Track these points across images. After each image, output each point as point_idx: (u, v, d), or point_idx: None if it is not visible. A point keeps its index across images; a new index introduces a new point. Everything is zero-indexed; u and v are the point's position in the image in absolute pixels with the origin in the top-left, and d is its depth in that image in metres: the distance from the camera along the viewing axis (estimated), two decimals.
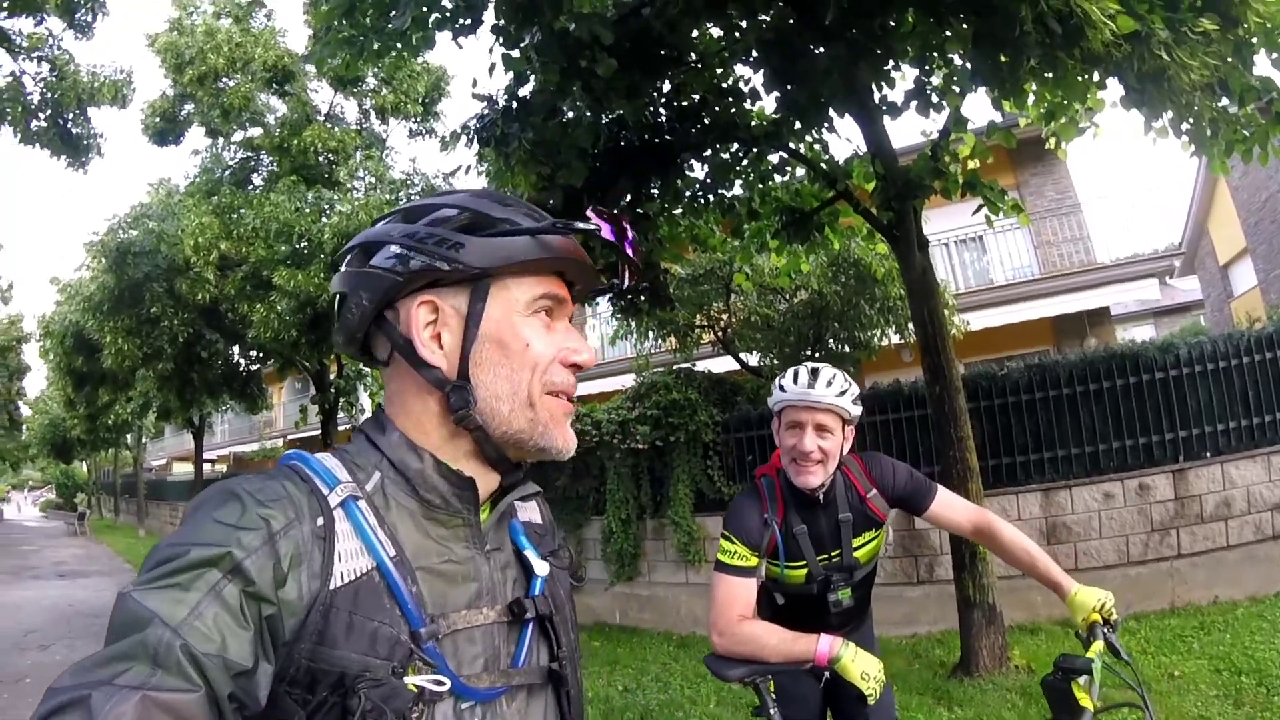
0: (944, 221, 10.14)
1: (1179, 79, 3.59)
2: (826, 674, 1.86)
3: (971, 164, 5.69)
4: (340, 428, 11.72)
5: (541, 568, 0.87)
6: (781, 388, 2.04)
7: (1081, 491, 5.88)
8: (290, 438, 24.03)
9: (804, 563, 2.07)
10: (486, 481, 0.83)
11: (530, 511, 0.97)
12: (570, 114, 4.38)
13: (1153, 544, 5.74)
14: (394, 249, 0.80)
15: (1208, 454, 5.81)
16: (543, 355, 0.81)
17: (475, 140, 4.30)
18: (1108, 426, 5.94)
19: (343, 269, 0.84)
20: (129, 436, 27.02)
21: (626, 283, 0.92)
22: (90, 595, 12.26)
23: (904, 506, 2.14)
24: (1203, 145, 4.50)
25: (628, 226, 0.90)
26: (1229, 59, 3.86)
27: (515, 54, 3.99)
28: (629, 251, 0.90)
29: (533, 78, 4.17)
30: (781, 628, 1.90)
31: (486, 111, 4.28)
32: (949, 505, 2.12)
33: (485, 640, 0.78)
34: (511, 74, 4.28)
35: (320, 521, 0.71)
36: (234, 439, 29.45)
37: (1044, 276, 12.08)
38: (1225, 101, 4.24)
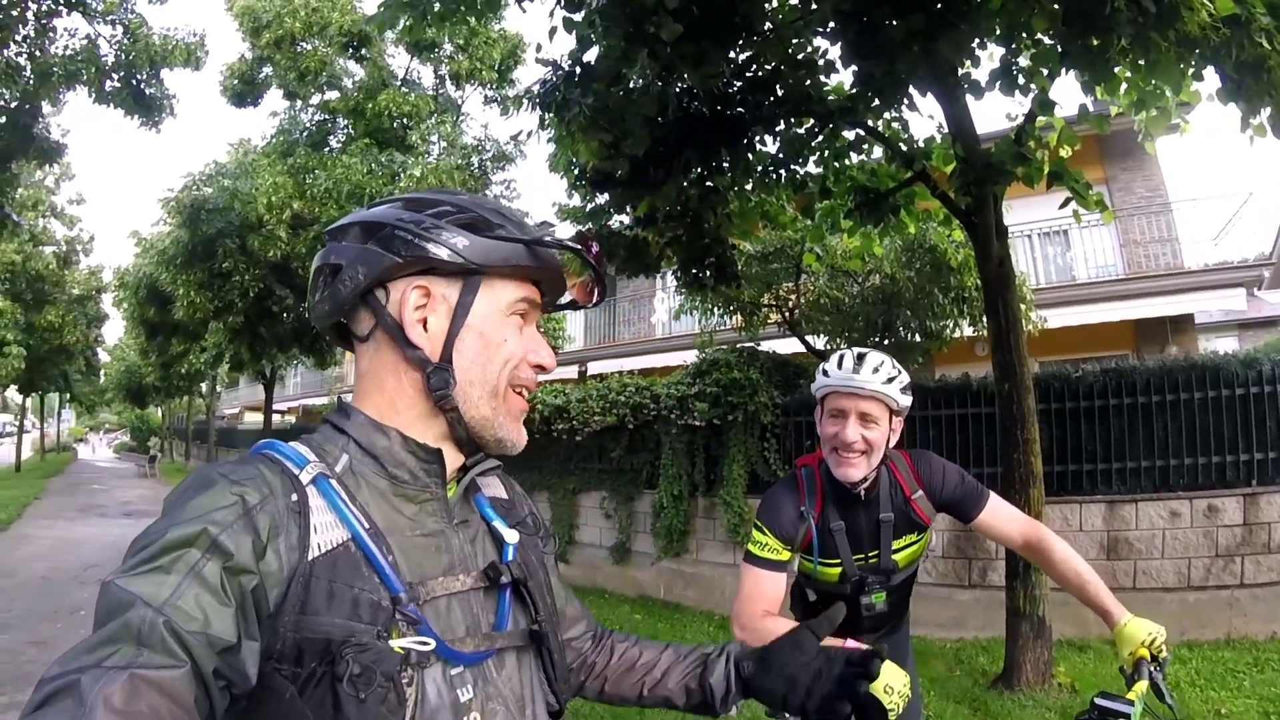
0: (1027, 213, 9.67)
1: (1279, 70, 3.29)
2: None
3: (1062, 152, 5.35)
4: None
5: (511, 536, 0.90)
6: (825, 372, 1.91)
7: (1147, 507, 5.55)
8: None
9: (839, 561, 1.95)
10: (452, 460, 0.87)
11: (494, 488, 0.99)
12: (636, 81, 4.26)
13: (1215, 570, 5.39)
14: (399, 233, 0.83)
15: None
16: (515, 352, 0.87)
17: (537, 106, 4.22)
18: (1181, 441, 5.57)
19: (341, 243, 0.86)
20: (203, 385, 28.26)
21: (595, 301, 0.96)
22: None
23: (951, 512, 1.99)
24: None
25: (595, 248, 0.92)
26: None
27: (577, 17, 3.89)
28: (597, 272, 0.93)
29: (596, 43, 4.05)
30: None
31: (550, 76, 4.20)
32: (1000, 515, 1.96)
33: (464, 607, 0.80)
34: (575, 38, 4.18)
35: (294, 497, 0.73)
36: (305, 392, 30.55)
37: (1128, 277, 11.49)
38: None
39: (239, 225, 10.78)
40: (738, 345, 8.00)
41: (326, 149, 11.83)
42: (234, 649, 0.63)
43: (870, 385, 1.83)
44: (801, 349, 8.87)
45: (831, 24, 4.25)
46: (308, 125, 12.31)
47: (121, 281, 15.84)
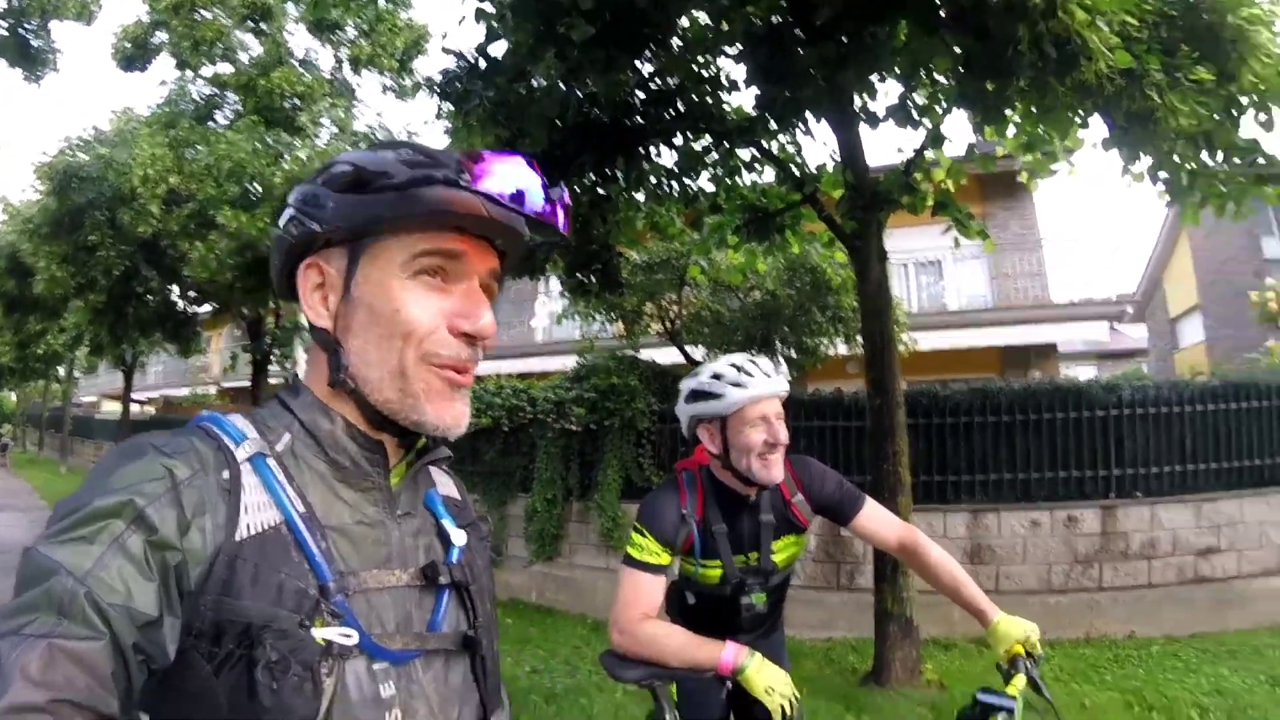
0: (905, 242, 10.26)
1: (1166, 123, 3.63)
2: (729, 684, 1.80)
3: (948, 185, 5.72)
4: (272, 380, 11.41)
5: (459, 537, 0.87)
6: (737, 384, 1.90)
7: (1010, 516, 5.99)
8: (225, 386, 23.50)
9: (720, 562, 1.99)
10: (390, 445, 0.82)
11: (448, 487, 0.97)
12: (540, 81, 4.26)
13: (1075, 575, 5.88)
14: (289, 211, 0.80)
15: (1139, 494, 5.97)
16: (417, 322, 0.77)
17: (437, 94, 4.15)
18: (1043, 457, 6.07)
19: None
20: (60, 369, 26.04)
21: (562, 228, 0.82)
22: (3, 531, 11.75)
23: (829, 515, 2.07)
24: (1178, 194, 4.56)
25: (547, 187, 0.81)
26: (1217, 114, 3.90)
27: (489, 7, 3.87)
28: (549, 211, 0.80)
29: (505, 38, 4.04)
30: (686, 631, 1.82)
31: (453, 67, 4.15)
32: (875, 518, 2.05)
33: (396, 603, 0.77)
34: (484, 29, 4.15)
35: (226, 474, 0.71)
36: (167, 381, 28.64)
37: (997, 307, 12.35)
38: (1205, 155, 4.30)
39: (110, 197, 10.01)
40: (618, 352, 8.09)
41: (211, 123, 11.25)
42: (155, 624, 0.62)
43: (784, 386, 1.91)
44: (681, 359, 9.08)
45: (740, 45, 4.39)
46: (195, 98, 11.64)
47: None
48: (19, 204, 12.65)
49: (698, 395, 1.97)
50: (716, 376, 1.93)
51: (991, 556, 5.97)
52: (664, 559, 1.90)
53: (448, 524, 0.88)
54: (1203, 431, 6.06)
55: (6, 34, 7.91)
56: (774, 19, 4.28)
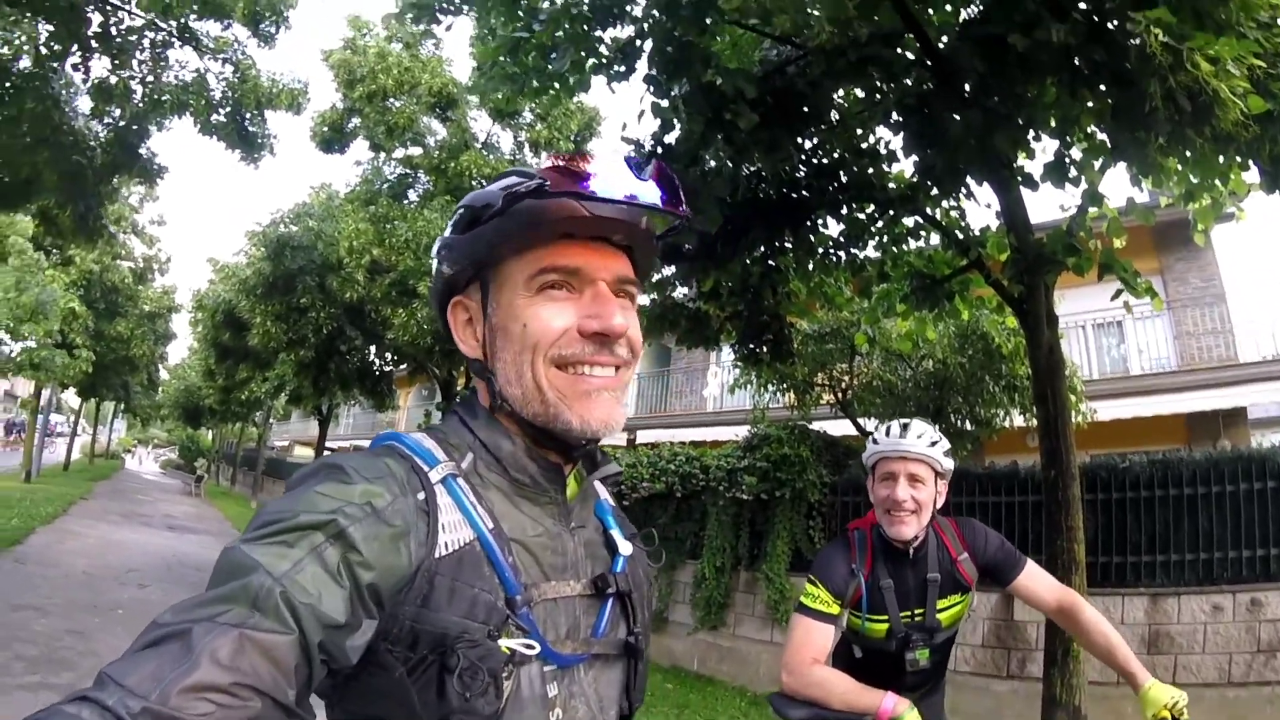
0: (1081, 303, 9.70)
1: None
2: None
3: (1116, 242, 5.50)
4: None
5: (626, 548, 0.92)
6: (874, 440, 2.14)
7: (1190, 601, 5.52)
8: None
9: (886, 617, 2.10)
10: (564, 459, 0.88)
11: (609, 498, 1.02)
12: (711, 163, 4.60)
13: (1256, 665, 5.31)
14: (433, 262, 0.90)
15: None
16: (542, 332, 0.81)
17: None
18: (1225, 533, 5.57)
19: None
20: (258, 414, 29.03)
21: (680, 215, 0.84)
22: (194, 549, 13.16)
23: (992, 575, 2.15)
24: None
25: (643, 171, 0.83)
26: None
27: (664, 103, 4.26)
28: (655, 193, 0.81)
29: (678, 126, 4.42)
30: (850, 678, 1.94)
31: (632, 154, 4.56)
32: (1036, 579, 2.14)
33: (568, 611, 0.83)
34: (659, 121, 4.57)
35: (422, 496, 0.76)
36: (356, 433, 30.90)
37: (1180, 369, 11.32)
38: None
39: (319, 264, 11.47)
40: (789, 423, 8.11)
41: (405, 201, 12.52)
42: (341, 628, 0.65)
43: (915, 449, 2.05)
44: (852, 430, 8.89)
45: (894, 116, 4.54)
46: (389, 177, 13.02)
47: (200, 304, 16.68)
48: (231, 264, 14.55)
49: (866, 445, 2.20)
50: (875, 431, 2.17)
51: (1170, 645, 5.48)
52: (834, 609, 2.04)
53: (617, 534, 0.93)
54: None
55: (225, 120, 9.24)
56: (924, 87, 4.40)
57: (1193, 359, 11.37)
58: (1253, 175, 4.15)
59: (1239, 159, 3.92)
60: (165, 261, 25.96)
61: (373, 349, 13.08)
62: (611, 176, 0.79)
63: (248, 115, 9.26)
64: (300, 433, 37.33)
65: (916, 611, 2.12)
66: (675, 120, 4.43)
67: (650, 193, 0.80)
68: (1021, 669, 5.87)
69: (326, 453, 23.26)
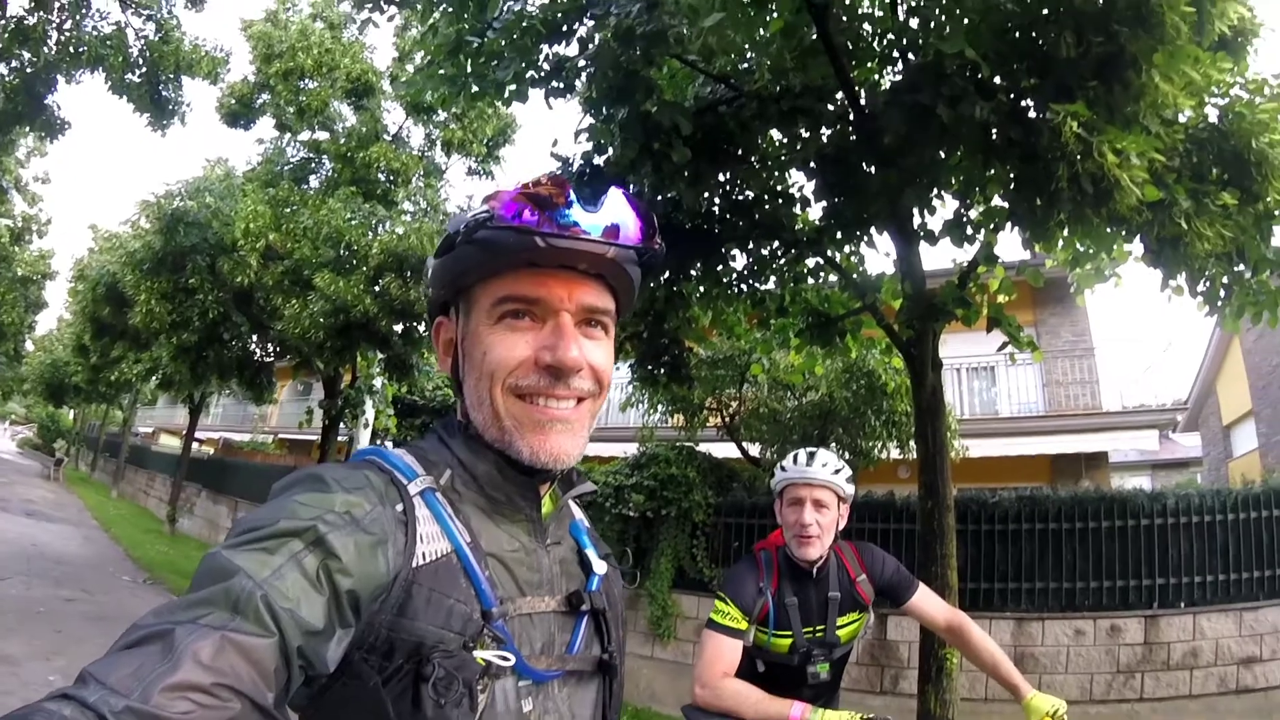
0: (959, 348, 10.39)
1: (1195, 245, 3.89)
2: None
3: (1000, 298, 5.96)
4: (340, 438, 11.80)
5: (600, 566, 0.94)
6: (783, 468, 2.28)
7: (1054, 625, 6.03)
8: (282, 436, 24.00)
9: (790, 633, 2.25)
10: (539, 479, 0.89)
11: (582, 516, 1.05)
12: (633, 188, 4.70)
13: (1116, 685, 5.87)
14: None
15: (1182, 603, 5.98)
16: (501, 362, 0.82)
17: None
18: (1088, 565, 6.13)
19: None
20: (126, 397, 27.01)
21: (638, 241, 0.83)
22: (54, 539, 12.35)
23: (888, 595, 2.35)
24: (1214, 306, 4.77)
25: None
26: (1247, 230, 4.15)
27: (599, 125, 4.33)
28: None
29: (610, 150, 4.50)
30: (760, 689, 2.06)
31: (560, 171, 4.62)
32: (928, 600, 2.36)
33: (543, 627, 0.84)
34: (592, 144, 4.64)
35: (400, 507, 0.77)
36: (226, 424, 29.32)
37: (1049, 414, 12.30)
38: (1241, 266, 4.53)
39: (213, 245, 10.81)
40: (676, 443, 8.27)
41: (305, 186, 11.99)
42: (319, 634, 0.66)
43: (820, 477, 2.22)
44: (737, 454, 9.23)
45: (812, 164, 4.79)
46: (291, 159, 12.43)
47: (81, 273, 15.31)
48: (117, 233, 13.44)
49: (773, 472, 2.33)
50: (784, 459, 2.31)
51: (1034, 665, 5.95)
52: (743, 625, 2.17)
53: (591, 554, 0.95)
54: (1246, 539, 6.08)
55: (140, 81, 8.62)
56: (846, 140, 4.66)
57: (1060, 405, 12.39)
58: (1135, 247, 4.62)
59: (1128, 236, 4.34)
60: (45, 223, 23.62)
61: (255, 338, 12.38)
62: (578, 207, 0.79)
63: (164, 79, 8.66)
64: (166, 420, 34.93)
65: (818, 628, 2.28)
66: (609, 144, 4.51)
67: (622, 224, 0.81)
68: (894, 685, 6.23)
69: (195, 445, 22.08)
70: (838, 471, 2.24)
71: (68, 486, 26.82)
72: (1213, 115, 4.21)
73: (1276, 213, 4.22)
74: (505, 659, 0.76)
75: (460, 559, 0.79)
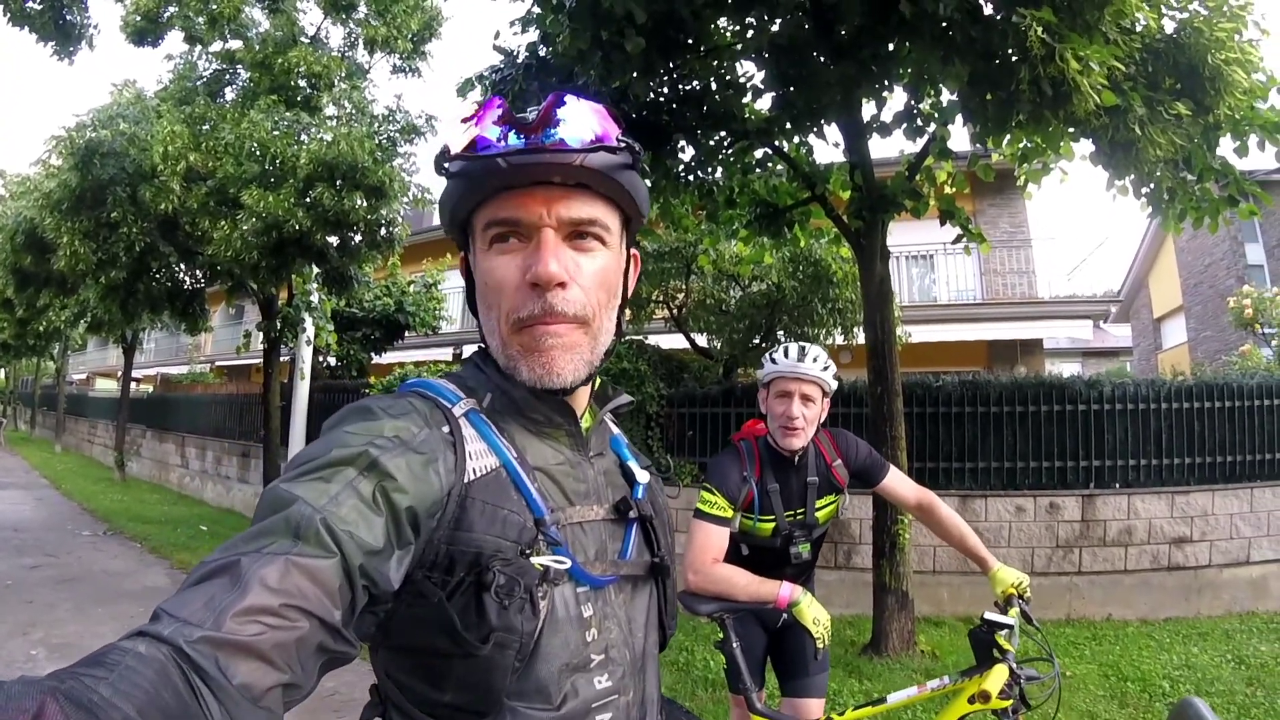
0: (899, 236, 10.53)
1: (1147, 151, 4.03)
2: (784, 617, 2.18)
3: (948, 189, 6.05)
4: (282, 359, 11.47)
5: (643, 476, 0.97)
6: (773, 360, 2.33)
7: (996, 502, 6.37)
8: (220, 364, 23.35)
9: (773, 517, 2.37)
10: (584, 393, 0.92)
11: (619, 431, 1.07)
12: (580, 81, 4.56)
13: (1056, 559, 6.26)
14: None
15: (1117, 485, 6.37)
16: (501, 288, 0.82)
17: (490, 91, 4.44)
18: (1028, 447, 6.45)
19: None
20: (55, 346, 25.80)
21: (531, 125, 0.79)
22: (6, 507, 11.97)
23: (861, 477, 2.48)
24: (1158, 208, 4.97)
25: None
26: (1196, 139, 4.31)
27: (548, 15, 4.14)
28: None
29: (559, 40, 4.33)
30: (748, 572, 2.18)
31: (503, 65, 4.43)
32: (899, 480, 2.51)
33: (594, 535, 0.87)
34: (537, 33, 4.44)
35: (447, 429, 0.80)
36: (159, 360, 28.47)
37: (986, 302, 12.73)
38: (1186, 173, 4.71)
39: (132, 173, 10.10)
40: (626, 337, 8.32)
41: (220, 99, 11.20)
42: (379, 553, 0.68)
43: (810, 372, 2.28)
44: (685, 345, 9.37)
45: (765, 53, 4.70)
46: (203, 73, 11.58)
47: None
48: (34, 176, 12.40)
49: (761, 366, 2.38)
50: (773, 353, 2.35)
51: (979, 539, 6.33)
52: (729, 513, 2.28)
53: (633, 465, 0.98)
54: (1179, 428, 6.45)
55: (41, 8, 7.89)
56: (800, 29, 4.58)
57: (997, 294, 12.81)
58: (1083, 145, 4.74)
59: (1084, 140, 4.47)
60: None
61: (184, 266, 11.72)
62: (509, 123, 0.79)
63: (66, 2, 7.88)
64: (99, 363, 33.62)
65: (798, 511, 2.41)
66: (558, 35, 4.33)
67: (583, 127, 0.79)
68: (848, 560, 6.55)
69: (134, 384, 21.31)
70: (826, 368, 2.30)
71: (10, 449, 25.81)
72: (1169, 27, 4.30)
73: (1224, 126, 4.37)
74: (561, 563, 0.79)
75: (509, 472, 0.81)
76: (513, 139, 0.78)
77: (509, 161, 0.78)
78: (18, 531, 9.76)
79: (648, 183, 5.56)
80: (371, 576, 0.67)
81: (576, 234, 0.83)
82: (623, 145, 0.82)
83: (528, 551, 0.77)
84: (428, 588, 0.74)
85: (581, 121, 0.80)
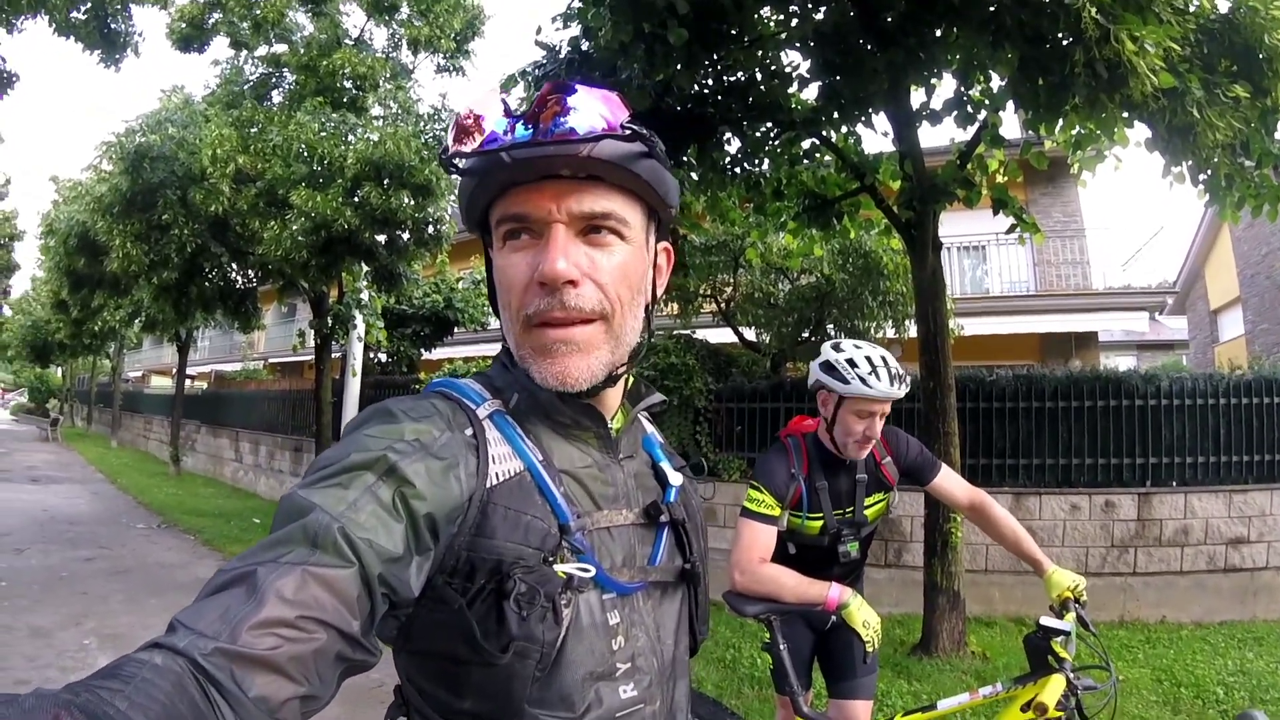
0: (950, 227, 10.35)
1: (1205, 136, 3.86)
2: (832, 619, 2.10)
3: (998, 178, 5.87)
4: (334, 355, 11.69)
5: (676, 478, 0.93)
6: (863, 380, 2.13)
7: (1050, 500, 6.18)
8: (273, 361, 23.94)
9: (821, 515, 2.30)
10: (614, 394, 0.89)
11: (655, 430, 1.04)
12: (624, 75, 4.51)
13: (1110, 559, 6.06)
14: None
15: (1174, 483, 6.14)
16: (509, 286, 0.80)
17: (534, 88, 4.42)
18: (1084, 443, 6.25)
19: None
20: (111, 345, 26.68)
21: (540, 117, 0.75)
22: (63, 502, 12.23)
23: (912, 476, 2.39)
24: (1216, 195, 4.76)
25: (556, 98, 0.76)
26: (1254, 124, 4.12)
27: (590, 8, 4.11)
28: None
29: (601, 34, 4.29)
30: (796, 572, 2.11)
31: (545, 60, 4.41)
32: (951, 480, 2.41)
33: (622, 540, 0.84)
34: (579, 27, 4.41)
35: (469, 432, 0.78)
36: (214, 357, 29.22)
37: (1039, 294, 12.39)
38: (1244, 159, 4.50)
39: (182, 176, 10.38)
40: (674, 332, 8.27)
41: (267, 103, 11.43)
42: (399, 560, 0.66)
43: (898, 396, 2.16)
44: (733, 339, 9.26)
45: (810, 42, 4.60)
46: (250, 77, 11.84)
47: (49, 228, 14.69)
48: (85, 181, 12.81)
49: (830, 369, 2.21)
50: (852, 363, 2.17)
51: (1033, 538, 6.15)
52: (776, 511, 2.21)
53: (666, 466, 0.95)
54: (1237, 424, 6.20)
55: (86, 18, 8.09)
56: (845, 16, 4.47)
57: (1051, 285, 12.46)
58: (1138, 131, 4.56)
59: (1139, 125, 4.31)
60: (4, 184, 22.41)
61: (235, 266, 12.04)
62: (506, 119, 0.75)
63: (111, 11, 8.08)
64: (154, 361, 34.73)
65: (847, 510, 2.33)
66: (600, 28, 4.29)
67: (590, 117, 0.74)
68: (898, 559, 6.43)
69: (189, 381, 21.95)
70: (903, 381, 2.19)
71: (67, 444, 26.49)
72: (1223, 6, 4.13)
73: None
74: (585, 570, 0.76)
75: (533, 476, 0.79)
76: (520, 131, 0.74)
77: (513, 155, 0.75)
78: (73, 525, 10.04)
79: (693, 175, 5.53)
80: (391, 584, 0.66)
81: (591, 228, 0.79)
82: (631, 132, 0.76)
83: (551, 559, 0.75)
84: (448, 594, 0.73)
85: (590, 110, 0.75)
